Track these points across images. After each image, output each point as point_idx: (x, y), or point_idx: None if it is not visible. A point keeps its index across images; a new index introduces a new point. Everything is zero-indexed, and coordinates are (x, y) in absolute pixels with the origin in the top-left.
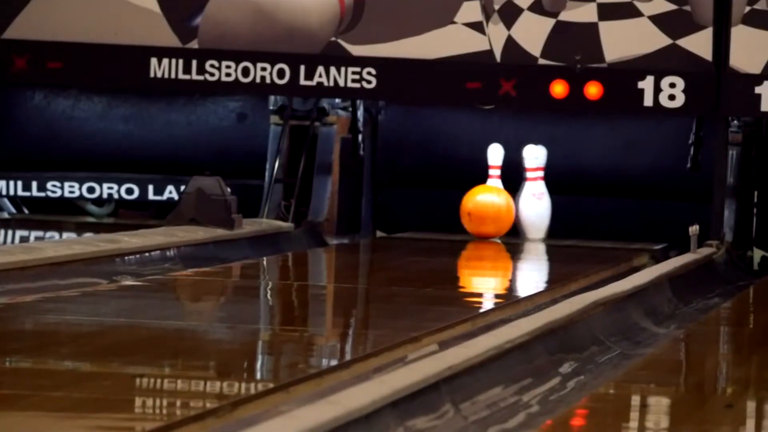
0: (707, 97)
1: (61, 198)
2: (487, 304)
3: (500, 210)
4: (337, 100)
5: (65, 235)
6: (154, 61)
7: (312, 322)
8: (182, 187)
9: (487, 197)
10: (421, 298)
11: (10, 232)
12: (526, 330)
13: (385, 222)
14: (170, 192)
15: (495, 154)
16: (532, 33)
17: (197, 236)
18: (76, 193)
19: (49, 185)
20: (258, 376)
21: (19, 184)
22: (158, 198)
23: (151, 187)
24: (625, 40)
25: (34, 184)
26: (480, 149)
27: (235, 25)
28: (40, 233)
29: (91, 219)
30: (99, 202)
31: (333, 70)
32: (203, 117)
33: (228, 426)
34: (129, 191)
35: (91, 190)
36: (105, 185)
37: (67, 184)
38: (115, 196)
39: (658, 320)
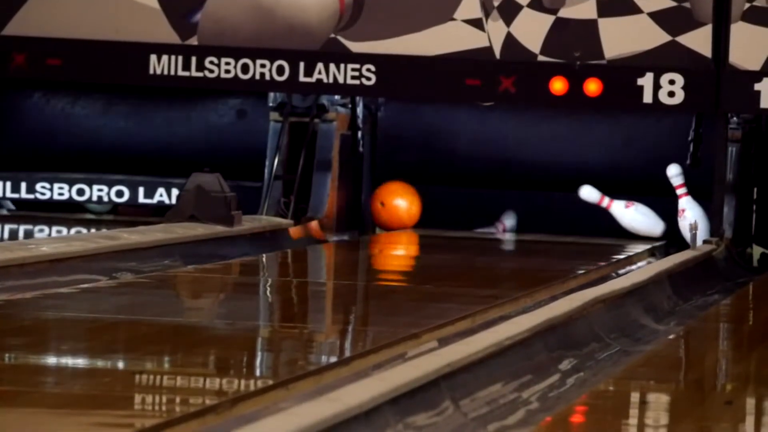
0: (707, 93)
1: (51, 200)
2: (487, 300)
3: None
4: (337, 97)
5: (64, 231)
6: (153, 57)
7: (311, 319)
8: (173, 190)
9: (400, 201)
10: (420, 295)
11: (9, 229)
12: (526, 327)
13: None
14: (161, 195)
15: (676, 174)
16: (532, 30)
17: (197, 233)
18: (66, 195)
19: (38, 186)
20: (257, 372)
21: (8, 185)
22: (149, 201)
23: (141, 190)
24: (624, 37)
25: (23, 186)
26: (479, 146)
27: (235, 21)
28: (39, 230)
29: (90, 216)
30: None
31: (332, 66)
32: (203, 114)
33: (227, 423)
34: (119, 194)
35: (80, 192)
36: (95, 187)
37: (56, 186)
38: (105, 198)
39: (657, 317)
